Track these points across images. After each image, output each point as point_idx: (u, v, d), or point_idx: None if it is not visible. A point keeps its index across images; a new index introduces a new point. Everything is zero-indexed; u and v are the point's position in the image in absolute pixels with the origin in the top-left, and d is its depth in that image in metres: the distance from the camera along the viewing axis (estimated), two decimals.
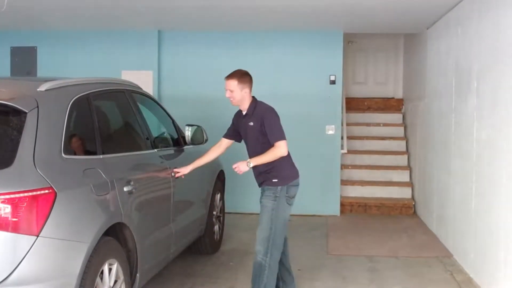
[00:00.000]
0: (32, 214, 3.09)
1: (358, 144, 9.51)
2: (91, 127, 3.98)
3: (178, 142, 5.54)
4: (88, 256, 3.38)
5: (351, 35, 9.51)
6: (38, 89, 3.62)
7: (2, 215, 3.03)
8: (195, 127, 5.60)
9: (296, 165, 4.76)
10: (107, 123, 4.48)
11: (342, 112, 8.70)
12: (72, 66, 8.37)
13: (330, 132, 8.40)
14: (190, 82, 8.40)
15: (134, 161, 4.49)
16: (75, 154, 3.66)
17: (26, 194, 3.08)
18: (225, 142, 4.89)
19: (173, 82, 8.50)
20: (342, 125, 8.70)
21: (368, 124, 9.83)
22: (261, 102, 4.67)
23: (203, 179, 5.93)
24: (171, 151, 5.35)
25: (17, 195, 3.06)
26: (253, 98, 4.67)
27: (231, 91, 4.57)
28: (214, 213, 6.22)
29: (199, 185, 5.82)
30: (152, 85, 8.29)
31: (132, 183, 4.08)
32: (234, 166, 4.52)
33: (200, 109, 8.18)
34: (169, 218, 4.88)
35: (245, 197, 8.05)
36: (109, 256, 3.66)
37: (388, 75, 10.43)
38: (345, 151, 8.72)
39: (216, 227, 6.33)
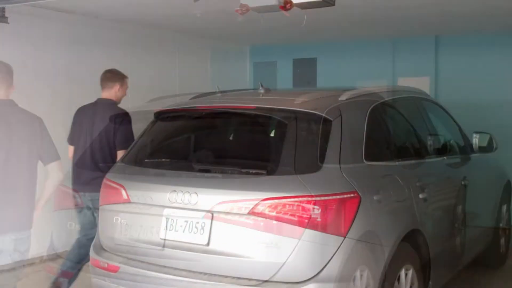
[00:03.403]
0: (339, 216, 3.28)
1: None
2: (386, 134, 4.11)
3: (465, 149, 5.36)
4: (388, 260, 3.46)
5: None
6: (339, 99, 3.83)
7: (312, 216, 3.25)
8: (484, 134, 5.35)
9: None
10: (400, 130, 4.54)
11: None
12: (347, 75, 8.70)
13: None
14: (469, 87, 8.05)
15: (425, 168, 4.47)
16: (374, 160, 3.78)
17: (334, 197, 3.27)
18: None
19: (451, 87, 8.22)
20: None
21: None
22: None
23: (490, 189, 5.67)
24: (457, 159, 5.19)
25: (326, 198, 3.27)
26: None
27: None
28: (500, 225, 5.87)
29: (486, 196, 5.56)
30: (429, 91, 8.15)
31: (426, 190, 4.07)
32: None
33: (482, 115, 7.76)
34: (458, 227, 4.74)
35: None
36: (405, 261, 3.70)
37: None
38: None
39: (502, 240, 5.97)
